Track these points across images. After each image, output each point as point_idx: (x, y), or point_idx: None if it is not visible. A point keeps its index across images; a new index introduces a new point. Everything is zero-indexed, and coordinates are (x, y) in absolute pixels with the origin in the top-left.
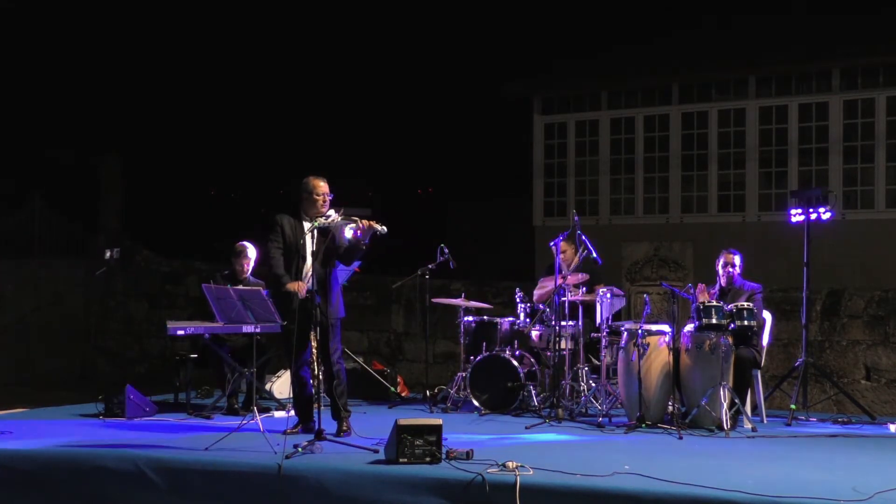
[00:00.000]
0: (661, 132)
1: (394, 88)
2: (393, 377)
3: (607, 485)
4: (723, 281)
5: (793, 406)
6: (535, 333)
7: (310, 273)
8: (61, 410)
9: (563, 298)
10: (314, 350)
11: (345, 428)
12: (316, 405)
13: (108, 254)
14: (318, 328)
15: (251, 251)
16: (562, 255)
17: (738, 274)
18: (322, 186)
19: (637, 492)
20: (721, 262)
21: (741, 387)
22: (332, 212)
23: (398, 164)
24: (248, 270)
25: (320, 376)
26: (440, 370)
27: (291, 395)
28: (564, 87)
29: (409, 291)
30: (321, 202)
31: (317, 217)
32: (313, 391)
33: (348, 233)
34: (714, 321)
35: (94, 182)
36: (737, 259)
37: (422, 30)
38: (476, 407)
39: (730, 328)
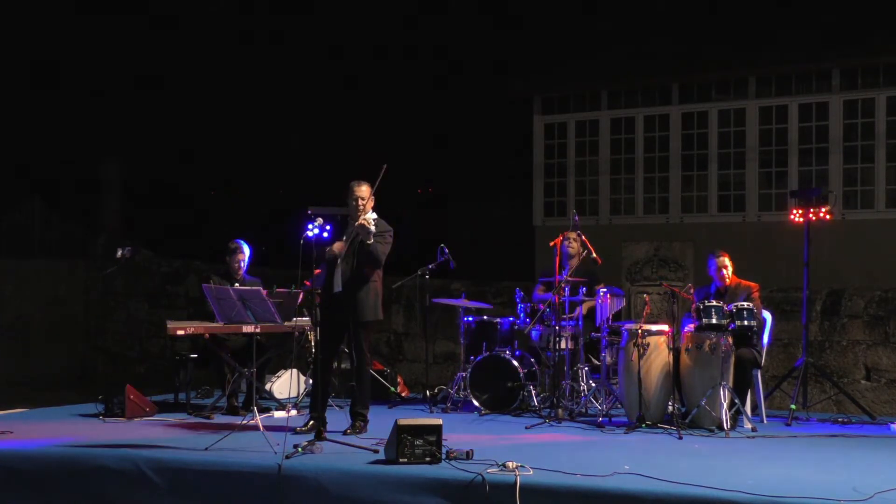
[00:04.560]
0: (661, 132)
1: (394, 88)
2: (393, 377)
3: (607, 485)
4: (718, 283)
5: (793, 406)
6: (535, 333)
7: (340, 274)
8: (61, 410)
9: (563, 299)
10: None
11: (356, 430)
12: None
13: (119, 252)
14: (316, 328)
15: (245, 248)
16: (569, 248)
17: (732, 273)
18: (357, 191)
19: (637, 492)
20: (714, 266)
21: (741, 387)
22: (371, 215)
23: (398, 163)
24: (242, 268)
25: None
26: (440, 370)
27: (294, 394)
28: (564, 87)
29: (409, 291)
30: (356, 206)
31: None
32: (329, 388)
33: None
34: (714, 321)
35: (95, 182)
36: (727, 260)
37: (422, 30)
38: (476, 407)
39: (730, 328)
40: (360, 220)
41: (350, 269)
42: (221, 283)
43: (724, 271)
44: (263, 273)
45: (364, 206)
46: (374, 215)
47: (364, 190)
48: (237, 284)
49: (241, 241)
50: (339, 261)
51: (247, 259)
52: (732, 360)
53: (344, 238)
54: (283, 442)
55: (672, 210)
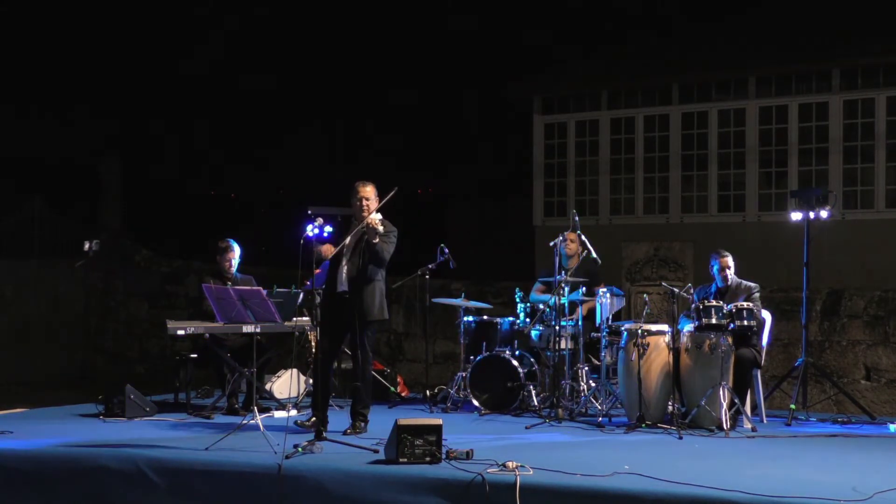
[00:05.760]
0: (661, 132)
1: (394, 88)
2: (393, 377)
3: (607, 485)
4: (720, 283)
5: (793, 406)
6: (534, 333)
7: (344, 274)
8: (61, 410)
9: (563, 300)
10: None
11: (356, 430)
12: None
13: (87, 245)
14: (317, 328)
15: (236, 247)
16: (568, 245)
17: (734, 274)
18: (362, 191)
19: (637, 492)
20: (717, 266)
21: (741, 387)
22: (377, 215)
23: (398, 163)
24: (233, 266)
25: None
26: (440, 370)
27: (294, 394)
28: (564, 87)
29: (409, 291)
30: (360, 206)
31: (362, 222)
32: (329, 388)
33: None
34: (714, 321)
35: (94, 182)
36: (730, 260)
37: (422, 30)
38: (476, 407)
39: (730, 328)
40: (368, 220)
41: (356, 269)
42: (214, 282)
43: (727, 271)
44: (263, 273)
45: (368, 206)
46: (380, 216)
47: (369, 190)
48: (229, 283)
49: (232, 241)
50: (343, 260)
51: (237, 258)
52: (732, 360)
53: (349, 237)
54: (283, 442)
55: (672, 210)
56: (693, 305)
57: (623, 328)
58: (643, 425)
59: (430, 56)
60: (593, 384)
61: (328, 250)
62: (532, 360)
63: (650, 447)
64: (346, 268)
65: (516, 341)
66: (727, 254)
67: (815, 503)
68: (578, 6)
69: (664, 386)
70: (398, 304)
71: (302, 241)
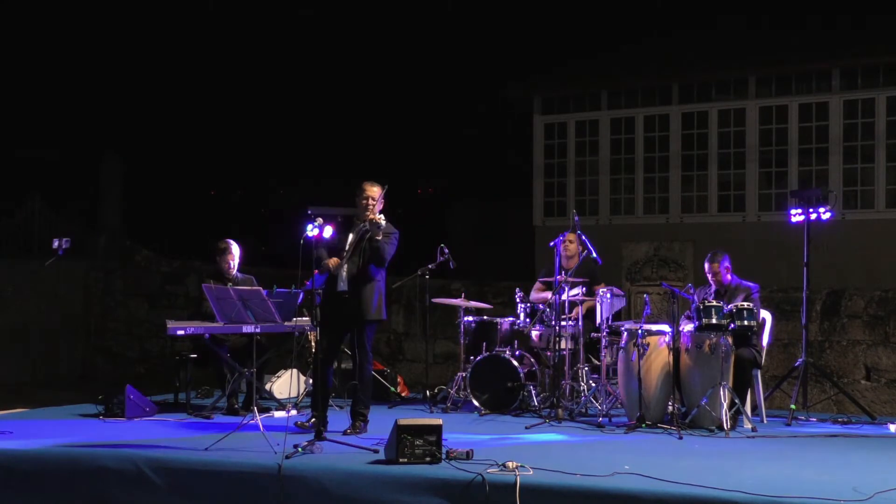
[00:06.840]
0: (661, 132)
1: (394, 89)
2: (393, 377)
3: (607, 485)
4: (714, 285)
5: (793, 406)
6: (535, 333)
7: (344, 273)
8: (61, 410)
9: (563, 298)
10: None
11: (356, 430)
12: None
13: (56, 243)
14: (317, 328)
15: (235, 247)
16: (568, 246)
17: (731, 274)
18: (369, 191)
19: (637, 492)
20: (708, 270)
21: (741, 387)
22: (380, 215)
23: (398, 164)
24: (233, 267)
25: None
26: (440, 370)
27: (294, 394)
28: (564, 87)
29: (409, 291)
30: (365, 205)
31: (365, 220)
32: (329, 388)
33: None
34: (714, 321)
35: (95, 182)
36: (719, 266)
37: (422, 30)
38: (476, 407)
39: (730, 328)
40: (372, 216)
41: (356, 268)
42: (213, 283)
43: (721, 274)
44: (263, 273)
45: (374, 206)
46: (383, 217)
47: (376, 190)
48: (229, 284)
49: (231, 241)
50: (343, 260)
51: (237, 258)
52: (732, 360)
53: (351, 235)
54: (283, 442)
55: (672, 210)
56: (693, 305)
57: (623, 328)
58: (643, 425)
59: (431, 56)
60: (593, 384)
61: (334, 263)
62: (532, 360)
63: (650, 447)
64: (346, 267)
65: (516, 341)
66: (721, 257)
67: (815, 503)
68: (579, 6)
69: (664, 386)
70: (398, 304)
71: (302, 241)
